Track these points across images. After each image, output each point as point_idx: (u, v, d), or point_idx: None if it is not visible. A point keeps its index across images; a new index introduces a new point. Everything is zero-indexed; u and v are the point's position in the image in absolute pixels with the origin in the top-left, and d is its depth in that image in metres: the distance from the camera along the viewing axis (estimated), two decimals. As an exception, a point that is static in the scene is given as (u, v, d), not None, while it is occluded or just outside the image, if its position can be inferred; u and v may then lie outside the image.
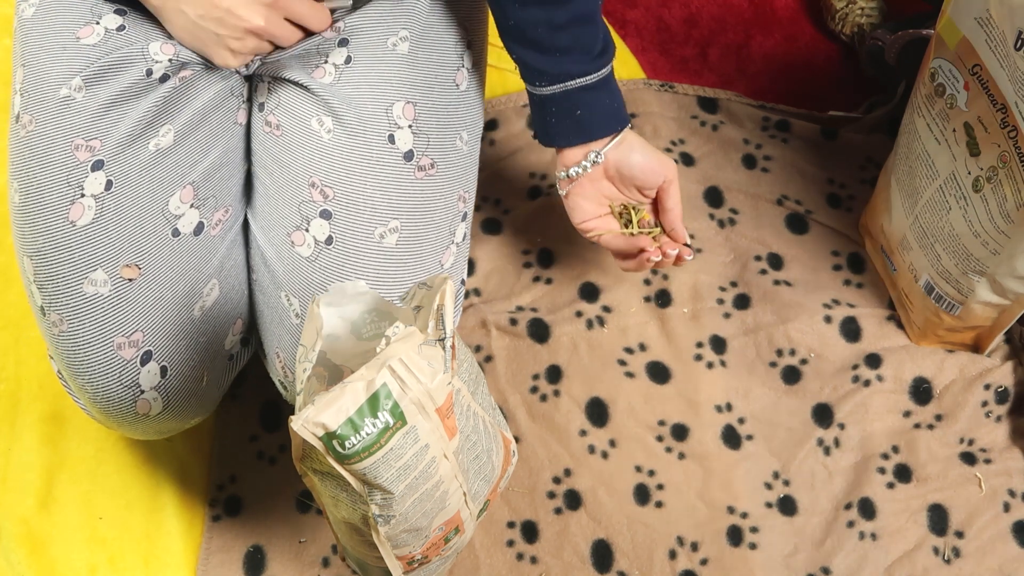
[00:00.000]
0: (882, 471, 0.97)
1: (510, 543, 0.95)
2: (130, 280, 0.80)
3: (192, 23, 0.81)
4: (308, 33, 0.85)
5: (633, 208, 0.94)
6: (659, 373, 1.02)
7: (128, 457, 1.00)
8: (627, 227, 0.93)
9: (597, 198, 0.93)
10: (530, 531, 0.95)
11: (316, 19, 0.83)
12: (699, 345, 1.03)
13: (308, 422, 0.59)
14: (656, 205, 0.94)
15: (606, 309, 1.05)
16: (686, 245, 0.91)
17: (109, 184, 0.80)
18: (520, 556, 0.94)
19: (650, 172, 0.91)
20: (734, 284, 1.07)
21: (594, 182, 0.92)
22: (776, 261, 1.09)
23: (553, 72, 0.86)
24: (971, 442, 0.98)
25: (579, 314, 1.05)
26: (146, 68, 0.82)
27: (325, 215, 0.83)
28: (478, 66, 0.93)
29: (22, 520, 0.97)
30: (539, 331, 1.04)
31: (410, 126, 0.85)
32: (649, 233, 0.93)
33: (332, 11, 0.85)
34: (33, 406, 1.02)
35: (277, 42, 0.84)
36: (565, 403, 1.01)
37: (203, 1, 0.79)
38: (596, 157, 0.90)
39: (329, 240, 0.83)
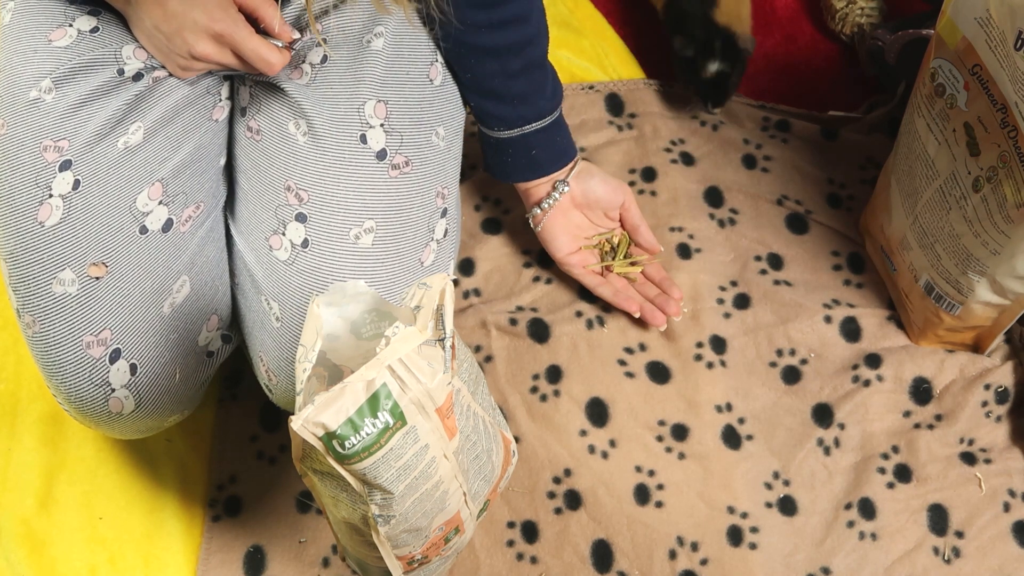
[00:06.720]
0: (882, 471, 0.97)
1: (510, 543, 0.95)
2: (97, 279, 0.79)
3: (149, 31, 0.81)
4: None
5: (611, 241, 1.03)
6: (659, 373, 1.02)
7: (128, 457, 1.00)
8: (611, 258, 1.03)
9: (571, 230, 1.01)
10: (530, 531, 0.95)
11: (263, 62, 0.80)
12: (699, 345, 1.03)
13: (308, 422, 0.59)
14: (623, 227, 1.03)
15: (606, 309, 1.05)
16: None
17: (77, 183, 0.80)
18: (520, 556, 0.94)
19: (612, 191, 1.00)
20: (734, 284, 1.07)
21: (565, 213, 1.00)
22: (776, 261, 1.09)
23: (511, 118, 0.93)
24: (971, 442, 0.98)
25: (579, 314, 1.05)
26: (118, 68, 0.82)
27: (301, 218, 0.84)
28: None
29: (22, 520, 0.97)
30: (539, 331, 1.04)
31: (382, 125, 0.85)
32: (634, 264, 1.02)
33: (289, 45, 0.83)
34: (33, 406, 1.02)
35: (231, 68, 0.83)
36: (565, 403, 1.00)
37: (158, 13, 0.79)
38: (563, 187, 0.98)
39: (305, 243, 0.83)
